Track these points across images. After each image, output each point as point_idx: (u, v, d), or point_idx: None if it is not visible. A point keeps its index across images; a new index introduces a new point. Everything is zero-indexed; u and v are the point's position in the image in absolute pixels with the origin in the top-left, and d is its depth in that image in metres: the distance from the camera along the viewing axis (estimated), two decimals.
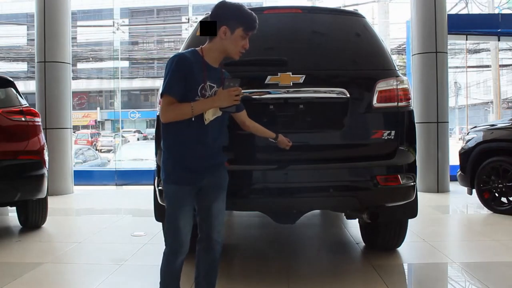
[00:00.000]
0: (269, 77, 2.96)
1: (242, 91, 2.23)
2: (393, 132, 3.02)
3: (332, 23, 3.32)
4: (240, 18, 2.19)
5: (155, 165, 3.12)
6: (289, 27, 3.26)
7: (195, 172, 2.22)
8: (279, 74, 2.96)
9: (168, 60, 2.19)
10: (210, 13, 2.26)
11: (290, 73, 2.97)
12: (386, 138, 3.02)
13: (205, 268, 2.40)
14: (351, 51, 3.20)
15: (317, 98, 3.03)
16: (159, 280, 2.35)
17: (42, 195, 4.44)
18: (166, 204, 2.28)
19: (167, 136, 2.24)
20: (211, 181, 2.28)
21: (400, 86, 3.07)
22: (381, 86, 3.03)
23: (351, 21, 3.35)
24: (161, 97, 2.19)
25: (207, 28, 2.20)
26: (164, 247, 2.32)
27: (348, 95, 2.99)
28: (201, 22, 2.33)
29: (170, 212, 2.25)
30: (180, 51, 3.11)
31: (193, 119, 2.13)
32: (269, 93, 2.98)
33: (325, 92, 3.02)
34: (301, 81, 2.96)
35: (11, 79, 4.68)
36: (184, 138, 2.19)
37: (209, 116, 2.18)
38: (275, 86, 2.97)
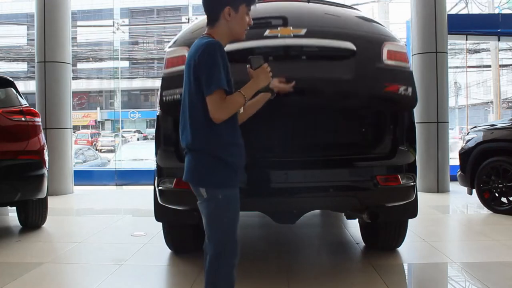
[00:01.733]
0: (267, 30, 2.87)
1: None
2: (409, 88, 2.89)
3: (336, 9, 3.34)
4: None
5: (155, 165, 3.12)
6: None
7: (240, 170, 2.05)
8: (278, 28, 2.89)
9: (206, 50, 1.92)
10: None
11: (291, 27, 2.89)
12: (402, 93, 2.88)
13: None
14: (356, 23, 3.22)
15: (321, 49, 2.93)
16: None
17: (42, 195, 4.44)
18: (224, 212, 2.01)
19: (212, 136, 1.97)
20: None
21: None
22: (389, 46, 2.97)
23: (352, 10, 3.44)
24: (211, 94, 1.90)
25: (210, 13, 2.05)
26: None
27: (355, 48, 2.90)
28: (204, 5, 2.10)
29: (232, 220, 2.03)
30: (172, 47, 3.09)
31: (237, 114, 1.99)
32: (267, 37, 2.83)
33: (329, 43, 2.90)
34: (303, 33, 2.87)
35: (11, 79, 4.68)
36: (237, 133, 2.04)
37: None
38: (274, 38, 2.87)
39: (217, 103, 1.90)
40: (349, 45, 2.92)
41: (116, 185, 9.22)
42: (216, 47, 1.93)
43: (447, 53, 7.29)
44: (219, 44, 1.96)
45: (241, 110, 2.08)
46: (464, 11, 15.82)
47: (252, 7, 2.11)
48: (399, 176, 2.97)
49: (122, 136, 20.23)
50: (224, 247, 2.00)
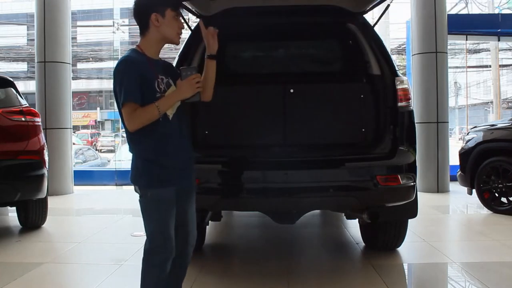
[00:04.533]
0: None
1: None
2: None
3: None
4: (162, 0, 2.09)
5: None
6: None
7: (179, 171, 2.14)
8: None
9: (115, 67, 2.06)
10: (133, 7, 2.14)
11: None
12: None
13: (176, 272, 2.30)
14: None
15: None
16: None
17: (42, 195, 4.44)
18: (151, 211, 2.16)
19: (137, 141, 2.10)
20: (187, 184, 2.20)
21: (400, 86, 3.07)
22: None
23: None
24: (122, 107, 2.02)
25: (140, 23, 2.11)
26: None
27: None
28: (134, 17, 2.16)
29: (161, 218, 2.14)
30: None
31: (160, 119, 2.04)
32: None
33: None
34: None
35: (11, 79, 4.68)
36: (158, 141, 2.07)
37: (171, 111, 2.11)
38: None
39: (127, 115, 2.01)
40: None
41: (116, 185, 9.22)
42: (123, 63, 2.03)
43: (447, 53, 7.29)
44: (127, 60, 2.04)
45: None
46: (464, 11, 15.85)
47: None
48: (399, 176, 2.97)
49: (122, 136, 20.23)
50: (154, 242, 2.18)
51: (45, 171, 4.45)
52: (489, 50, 15.53)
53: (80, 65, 26.94)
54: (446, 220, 5.49)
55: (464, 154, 5.75)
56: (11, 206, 4.86)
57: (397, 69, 3.18)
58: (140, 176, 2.11)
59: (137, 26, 2.16)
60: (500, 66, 15.80)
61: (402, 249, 3.77)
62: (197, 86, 2.07)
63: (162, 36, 2.11)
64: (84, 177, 8.92)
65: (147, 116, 2.01)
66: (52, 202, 5.18)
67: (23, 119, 4.38)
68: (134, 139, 2.11)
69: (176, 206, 2.16)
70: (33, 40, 8.09)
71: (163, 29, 2.09)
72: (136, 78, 2.01)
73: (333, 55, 3.64)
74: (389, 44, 16.07)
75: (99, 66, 27.75)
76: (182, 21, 2.14)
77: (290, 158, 3.06)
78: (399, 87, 3.07)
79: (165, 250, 2.15)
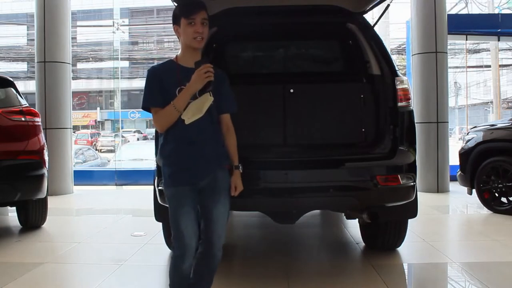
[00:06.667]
0: None
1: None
2: None
3: None
4: (177, 11, 2.28)
5: (155, 165, 3.12)
6: None
7: (188, 171, 2.24)
8: None
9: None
10: None
11: None
12: None
13: (201, 274, 2.32)
14: None
15: None
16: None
17: (42, 195, 4.44)
18: (169, 208, 2.30)
19: (162, 141, 2.31)
20: (208, 184, 2.26)
21: (400, 86, 3.07)
22: None
23: None
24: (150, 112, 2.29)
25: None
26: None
27: None
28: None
29: (171, 215, 2.27)
30: None
31: (178, 123, 2.19)
32: None
33: None
34: None
35: (11, 79, 4.68)
36: (173, 140, 2.24)
37: (188, 116, 2.18)
38: None
39: (153, 118, 2.28)
40: None
41: (116, 185, 9.22)
42: (148, 72, 2.29)
43: (447, 53, 7.29)
44: (149, 70, 2.30)
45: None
46: (464, 11, 15.86)
47: None
48: (399, 176, 2.97)
49: (122, 136, 20.24)
50: (172, 236, 2.28)
51: (45, 171, 4.45)
52: (489, 50, 15.54)
53: (80, 65, 26.97)
54: (446, 220, 5.49)
55: (464, 154, 5.75)
56: (11, 206, 4.86)
57: (397, 69, 3.18)
58: (161, 177, 2.35)
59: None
60: (500, 66, 15.80)
61: (402, 249, 3.77)
62: (205, 76, 2.13)
63: (185, 44, 2.27)
64: (84, 177, 8.92)
65: (166, 114, 2.19)
66: (52, 202, 5.19)
67: (23, 119, 4.38)
68: (160, 141, 2.34)
69: (200, 205, 2.28)
70: (33, 40, 8.09)
71: (183, 37, 2.26)
72: (155, 85, 2.24)
73: (333, 55, 3.64)
74: (389, 44, 16.08)
75: (99, 66, 27.78)
76: (199, 26, 2.23)
77: (290, 158, 3.06)
78: (399, 87, 3.07)
79: (178, 245, 2.24)
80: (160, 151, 2.31)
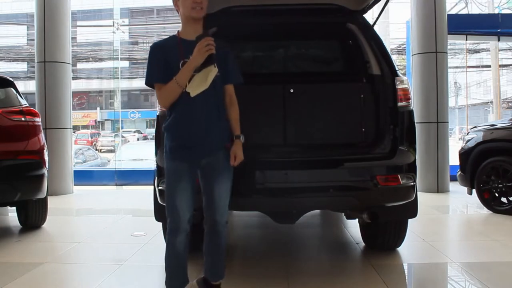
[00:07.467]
0: None
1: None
2: None
3: None
4: None
5: (155, 165, 3.12)
6: None
7: (189, 149, 2.25)
8: None
9: None
10: None
11: None
12: None
13: (211, 253, 2.38)
14: None
15: None
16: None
17: (42, 195, 4.44)
18: (165, 181, 2.32)
19: (167, 117, 2.31)
20: (209, 162, 2.29)
21: (400, 86, 3.07)
22: None
23: None
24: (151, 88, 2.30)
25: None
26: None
27: None
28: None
29: (167, 188, 2.28)
30: None
31: (183, 96, 2.19)
32: None
33: None
34: None
35: (11, 79, 4.68)
36: (177, 115, 2.24)
37: (192, 88, 2.18)
38: None
39: (156, 94, 2.29)
40: None
41: (116, 185, 9.22)
42: (150, 48, 2.30)
43: (447, 53, 7.29)
44: (154, 45, 2.32)
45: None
46: (464, 11, 15.86)
47: None
48: (399, 176, 2.97)
49: (122, 136, 20.24)
50: (166, 209, 2.31)
51: (45, 171, 4.45)
52: (489, 50, 15.53)
53: (80, 65, 26.97)
54: (446, 220, 5.49)
55: (464, 154, 5.75)
56: (11, 206, 4.86)
57: (397, 69, 3.18)
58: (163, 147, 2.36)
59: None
60: (500, 66, 15.79)
61: (402, 249, 3.77)
62: (206, 49, 2.14)
63: (184, 16, 2.28)
64: (84, 177, 8.92)
65: (168, 90, 2.20)
66: (52, 202, 5.18)
67: (23, 119, 4.38)
68: (166, 115, 2.34)
69: (202, 182, 2.31)
70: (33, 40, 8.09)
71: (182, 9, 2.28)
72: (158, 61, 2.24)
73: (333, 55, 3.65)
74: (389, 44, 16.07)
75: (99, 66, 27.77)
76: None
77: (290, 158, 3.06)
78: (399, 87, 3.07)
79: (172, 219, 2.28)
80: (165, 125, 2.32)
